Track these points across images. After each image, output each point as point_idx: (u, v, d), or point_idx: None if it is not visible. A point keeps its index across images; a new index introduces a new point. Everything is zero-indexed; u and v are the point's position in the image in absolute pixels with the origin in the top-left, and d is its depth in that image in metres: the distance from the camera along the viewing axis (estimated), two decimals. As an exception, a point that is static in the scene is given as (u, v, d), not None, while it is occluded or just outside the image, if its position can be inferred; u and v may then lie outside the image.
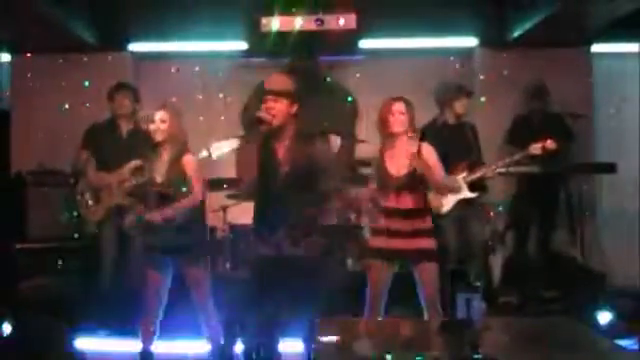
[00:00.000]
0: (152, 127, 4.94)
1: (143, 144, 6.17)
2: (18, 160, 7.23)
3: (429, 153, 4.86)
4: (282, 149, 4.38)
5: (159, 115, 4.92)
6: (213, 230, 7.33)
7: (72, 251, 6.66)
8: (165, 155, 4.96)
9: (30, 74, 7.57)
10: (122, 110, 6.39)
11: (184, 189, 4.85)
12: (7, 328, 5.19)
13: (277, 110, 4.32)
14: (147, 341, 5.01)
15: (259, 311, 4.30)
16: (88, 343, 5.49)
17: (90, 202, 6.20)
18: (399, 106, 4.85)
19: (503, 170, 6.30)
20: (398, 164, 4.83)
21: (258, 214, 4.48)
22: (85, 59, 7.64)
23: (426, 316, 4.73)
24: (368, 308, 4.83)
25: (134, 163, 6.04)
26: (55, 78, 7.57)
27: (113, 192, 6.10)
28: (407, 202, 4.82)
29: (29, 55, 7.54)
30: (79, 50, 7.61)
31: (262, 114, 4.32)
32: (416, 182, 4.80)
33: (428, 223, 4.88)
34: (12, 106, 7.67)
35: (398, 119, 4.83)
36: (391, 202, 4.82)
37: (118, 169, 6.08)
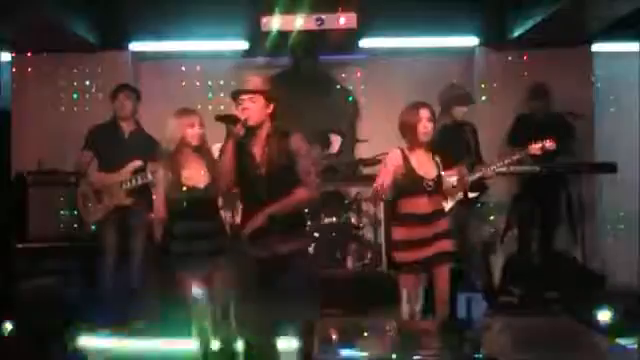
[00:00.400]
0: (190, 131, 4.82)
1: (144, 145, 6.19)
2: (18, 160, 7.23)
3: (438, 158, 4.96)
4: (259, 149, 4.33)
5: (196, 119, 4.79)
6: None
7: (72, 251, 6.66)
8: (201, 160, 4.83)
9: (31, 74, 7.57)
10: (124, 111, 6.38)
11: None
12: (8, 327, 5.21)
13: (253, 110, 4.27)
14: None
15: (252, 310, 4.29)
16: (88, 343, 5.48)
17: (91, 202, 6.21)
18: (426, 112, 4.84)
19: (503, 170, 6.30)
20: (429, 168, 4.86)
21: (243, 215, 4.47)
22: (86, 59, 7.65)
23: (437, 314, 4.73)
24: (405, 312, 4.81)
25: (135, 163, 6.05)
26: (56, 78, 7.58)
27: (114, 192, 6.10)
28: (435, 205, 4.86)
29: (30, 55, 7.55)
30: (79, 50, 7.62)
31: (236, 113, 4.28)
32: (441, 185, 4.89)
33: (448, 225, 4.92)
34: (12, 106, 7.66)
35: (427, 125, 4.83)
36: (422, 207, 4.81)
37: (120, 170, 6.08)
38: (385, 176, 4.83)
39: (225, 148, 4.27)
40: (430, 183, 4.81)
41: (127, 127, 6.41)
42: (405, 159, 4.85)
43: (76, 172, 6.49)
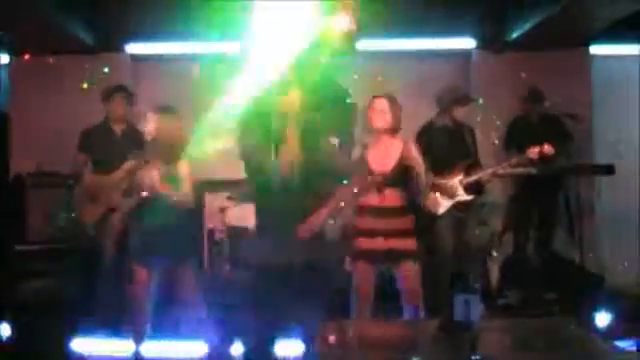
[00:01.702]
0: (147, 129, 4.92)
1: (138, 144, 6.20)
2: (17, 162, 7.22)
3: (415, 151, 4.88)
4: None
5: (155, 117, 4.93)
6: (212, 232, 7.34)
7: (71, 252, 6.65)
8: (158, 159, 4.97)
9: (29, 75, 7.57)
10: (116, 115, 6.42)
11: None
12: (6, 329, 5.20)
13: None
14: (139, 342, 4.97)
15: (264, 313, 4.26)
16: (87, 344, 5.48)
17: (87, 204, 6.20)
18: (380, 103, 4.88)
19: (501, 172, 6.31)
20: (382, 161, 4.83)
21: (264, 215, 4.43)
22: (84, 60, 7.64)
23: (405, 317, 4.71)
24: (356, 310, 4.79)
25: (130, 164, 6.04)
26: (54, 80, 7.57)
27: (109, 194, 6.09)
28: (390, 200, 4.79)
29: (28, 56, 7.54)
30: (78, 51, 7.62)
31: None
32: (399, 179, 4.79)
33: (410, 223, 4.86)
34: (11, 107, 7.66)
35: (380, 116, 4.86)
36: (373, 200, 4.78)
37: (114, 170, 6.08)
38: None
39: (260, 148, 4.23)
40: (382, 176, 4.77)
41: (119, 127, 6.43)
42: (362, 153, 4.87)
43: (72, 174, 6.50)
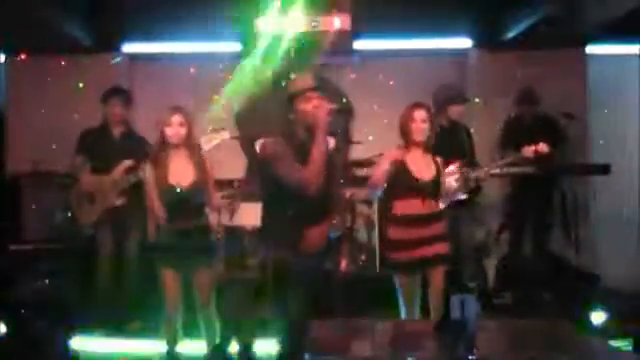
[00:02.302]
0: (169, 130, 4.84)
1: (136, 145, 6.20)
2: (13, 161, 7.23)
3: (440, 160, 4.95)
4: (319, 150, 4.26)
5: (177, 119, 4.84)
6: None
7: (68, 252, 6.65)
8: (182, 158, 4.89)
9: (25, 75, 7.57)
10: (113, 117, 6.41)
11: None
12: (3, 329, 5.20)
13: (325, 108, 4.24)
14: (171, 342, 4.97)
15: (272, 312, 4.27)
16: (84, 344, 5.49)
17: (85, 205, 6.20)
18: (421, 114, 4.85)
19: (497, 171, 6.31)
20: (425, 169, 4.85)
21: (270, 217, 4.43)
22: (80, 60, 7.64)
23: (433, 316, 4.73)
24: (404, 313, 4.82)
25: (126, 164, 6.05)
26: (50, 79, 7.57)
27: (107, 193, 6.10)
28: (431, 207, 4.84)
29: (24, 56, 7.54)
30: (74, 51, 7.61)
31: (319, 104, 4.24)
32: (439, 187, 4.87)
33: (445, 228, 4.93)
34: (7, 107, 7.67)
35: (421, 127, 4.84)
36: (414, 208, 4.80)
37: (111, 171, 6.08)
38: (380, 171, 4.84)
39: (315, 144, 4.19)
40: (425, 184, 4.81)
41: (117, 129, 6.42)
42: (402, 159, 4.84)
43: (69, 175, 6.49)
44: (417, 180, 4.80)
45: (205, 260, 4.91)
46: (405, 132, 4.87)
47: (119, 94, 6.49)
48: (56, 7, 6.79)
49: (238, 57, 7.80)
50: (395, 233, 4.84)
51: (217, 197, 5.07)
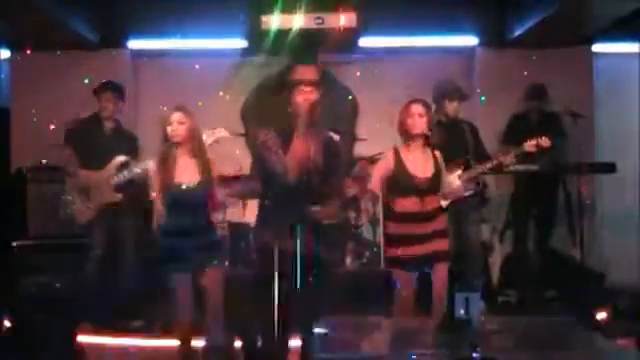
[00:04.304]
0: (169, 129, 4.82)
1: (127, 142, 6.21)
2: (17, 156, 7.22)
3: (440, 157, 4.95)
4: (314, 144, 4.30)
5: (176, 117, 4.81)
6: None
7: (72, 248, 6.65)
8: (185, 156, 4.87)
9: (30, 71, 7.56)
10: (105, 112, 6.41)
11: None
12: (7, 325, 5.21)
13: (316, 101, 4.26)
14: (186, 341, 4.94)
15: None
16: (88, 340, 5.49)
17: (80, 202, 6.16)
18: (418, 108, 4.85)
19: (501, 167, 6.29)
20: (423, 166, 4.84)
21: (266, 211, 4.44)
22: (85, 56, 7.64)
23: (434, 313, 4.73)
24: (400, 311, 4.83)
25: (120, 159, 6.03)
26: (55, 75, 7.57)
27: (103, 189, 6.07)
28: (430, 204, 4.83)
29: (29, 52, 7.54)
30: (79, 47, 7.62)
31: (308, 97, 4.24)
32: (439, 184, 4.84)
33: (445, 224, 4.92)
34: (12, 103, 7.66)
35: (418, 121, 4.83)
36: (412, 206, 4.80)
37: (103, 166, 6.06)
38: (375, 179, 4.90)
39: (295, 137, 4.20)
40: (423, 182, 4.80)
41: (108, 124, 6.42)
42: (398, 158, 4.86)
43: (61, 169, 6.44)
44: (415, 178, 4.81)
45: (211, 258, 4.88)
46: (403, 127, 4.89)
47: (110, 90, 6.48)
48: (61, 3, 6.79)
49: (243, 54, 7.81)
50: (395, 229, 4.86)
51: (221, 195, 5.03)
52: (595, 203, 7.82)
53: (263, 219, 4.51)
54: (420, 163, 4.84)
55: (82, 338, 5.36)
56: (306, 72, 4.36)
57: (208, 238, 4.90)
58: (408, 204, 4.79)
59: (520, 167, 6.59)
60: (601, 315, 5.95)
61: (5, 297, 5.65)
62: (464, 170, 6.14)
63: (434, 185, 4.85)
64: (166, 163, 4.83)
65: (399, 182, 4.83)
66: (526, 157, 6.35)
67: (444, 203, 5.97)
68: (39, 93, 7.61)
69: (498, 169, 6.35)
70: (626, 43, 8.07)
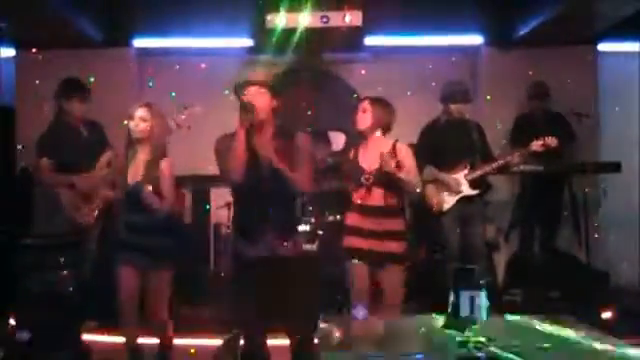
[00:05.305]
0: (131, 124, 4.76)
1: (101, 137, 6.19)
2: (23, 156, 7.23)
3: (404, 153, 4.89)
4: (267, 145, 4.27)
5: (139, 113, 4.76)
6: (218, 227, 7.34)
7: (77, 247, 6.65)
8: (142, 156, 4.81)
9: (35, 70, 7.57)
10: (75, 113, 6.26)
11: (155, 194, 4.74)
12: (12, 323, 5.22)
13: (261, 102, 4.24)
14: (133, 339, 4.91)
15: (250, 309, 4.28)
16: (93, 338, 5.50)
17: (81, 205, 6.11)
18: (363, 104, 4.95)
19: (507, 166, 6.29)
20: (370, 160, 4.85)
21: (243, 213, 4.45)
22: (90, 55, 7.65)
23: (386, 315, 4.68)
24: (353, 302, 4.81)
25: (107, 156, 6.00)
26: (60, 74, 7.57)
27: (99, 190, 6.01)
28: (377, 199, 4.81)
29: (34, 51, 7.55)
30: (84, 46, 7.63)
31: (248, 99, 4.23)
32: (388, 179, 4.79)
33: (399, 225, 4.88)
34: (17, 102, 7.67)
35: (361, 117, 4.92)
36: (362, 198, 4.84)
37: (89, 167, 6.01)
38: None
39: (238, 139, 4.19)
40: (368, 176, 4.81)
41: (80, 123, 6.29)
42: (355, 149, 4.99)
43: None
44: (362, 170, 4.85)
45: (163, 259, 4.84)
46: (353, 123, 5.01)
47: (75, 93, 6.30)
48: (66, 1, 6.80)
49: (248, 52, 7.82)
50: (351, 220, 4.90)
51: (171, 195, 4.85)
52: (600, 203, 7.81)
53: (234, 223, 4.62)
54: (371, 157, 4.85)
55: (87, 336, 5.38)
56: (253, 74, 4.41)
57: (158, 238, 4.82)
58: (359, 196, 4.85)
59: (526, 167, 6.59)
60: (606, 314, 5.94)
61: (10, 296, 5.67)
62: (470, 170, 6.14)
63: (380, 180, 4.80)
64: (124, 159, 4.87)
65: (352, 173, 4.91)
66: (533, 157, 6.35)
67: (447, 204, 5.98)
68: (44, 92, 7.62)
69: (504, 169, 6.36)
70: (631, 42, 8.06)
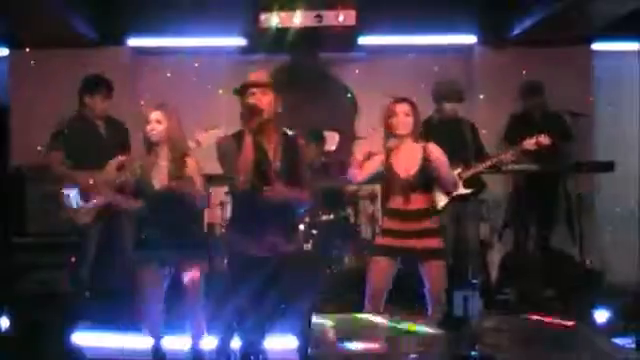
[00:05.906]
0: (147, 128, 4.78)
1: (121, 138, 6.16)
2: (17, 154, 7.22)
3: (438, 152, 4.84)
4: (272, 146, 4.30)
5: (155, 115, 4.77)
6: (212, 226, 7.33)
7: (71, 246, 6.64)
8: (162, 157, 4.83)
9: (29, 69, 7.56)
10: (97, 110, 6.25)
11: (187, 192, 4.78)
12: (5, 323, 5.21)
13: (265, 103, 4.24)
14: (156, 339, 4.96)
15: (249, 308, 4.27)
16: (86, 338, 5.48)
17: (80, 203, 6.09)
18: (403, 107, 4.81)
19: (500, 165, 6.29)
20: (406, 165, 4.81)
21: (243, 213, 4.43)
22: (84, 54, 7.63)
23: (430, 312, 4.72)
24: (368, 304, 4.79)
25: (119, 159, 5.97)
26: (54, 73, 7.56)
27: (102, 191, 5.98)
28: (415, 203, 4.78)
29: (28, 50, 7.54)
30: (78, 45, 7.61)
31: (254, 101, 4.22)
32: (424, 183, 4.79)
33: (436, 223, 4.87)
34: (11, 101, 7.66)
35: (402, 120, 4.79)
36: (399, 204, 4.79)
37: (101, 167, 5.99)
38: (366, 171, 4.91)
39: (245, 142, 4.17)
40: (407, 182, 4.77)
41: (100, 122, 6.28)
42: (387, 156, 4.84)
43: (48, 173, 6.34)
44: (399, 177, 4.78)
45: (190, 256, 4.87)
46: (389, 127, 4.84)
47: (99, 89, 6.29)
48: (61, 0, 6.78)
49: (242, 52, 7.81)
50: (386, 224, 4.86)
51: (201, 194, 4.89)
52: (594, 202, 7.83)
53: (231, 223, 4.63)
54: (405, 162, 4.80)
55: (80, 336, 5.36)
56: (256, 75, 4.37)
57: (186, 240, 4.85)
58: (397, 202, 4.79)
59: (519, 166, 6.59)
60: (600, 314, 5.94)
61: (5, 295, 5.66)
62: (463, 169, 6.14)
63: (421, 182, 4.78)
64: (145, 162, 4.86)
65: (388, 181, 4.84)
66: (528, 156, 6.35)
67: (441, 202, 5.98)
68: (38, 91, 7.61)
69: (497, 167, 6.36)
70: (626, 42, 8.07)
